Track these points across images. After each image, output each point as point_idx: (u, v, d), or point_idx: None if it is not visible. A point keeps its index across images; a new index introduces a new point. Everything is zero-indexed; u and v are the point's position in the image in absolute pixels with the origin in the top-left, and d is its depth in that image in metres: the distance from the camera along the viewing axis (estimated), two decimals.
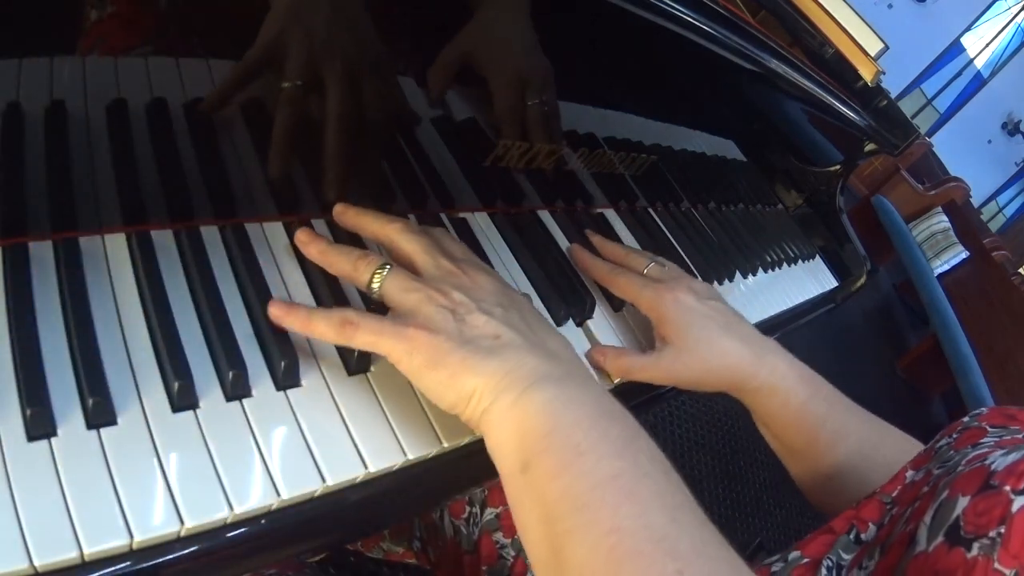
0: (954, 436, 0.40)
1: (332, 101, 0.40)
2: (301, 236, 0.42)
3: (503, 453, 0.36)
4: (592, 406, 0.36)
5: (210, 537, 0.32)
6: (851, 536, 0.39)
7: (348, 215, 0.45)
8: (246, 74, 0.38)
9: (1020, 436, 0.37)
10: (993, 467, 0.32)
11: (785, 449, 0.56)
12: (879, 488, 0.41)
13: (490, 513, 0.61)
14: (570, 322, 0.55)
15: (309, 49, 0.38)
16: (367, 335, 0.37)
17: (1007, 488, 0.30)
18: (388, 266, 0.40)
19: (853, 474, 0.51)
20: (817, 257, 1.01)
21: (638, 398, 0.56)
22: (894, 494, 0.40)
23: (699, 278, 0.62)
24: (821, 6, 0.81)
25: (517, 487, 0.35)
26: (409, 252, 0.42)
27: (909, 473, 0.41)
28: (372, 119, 0.44)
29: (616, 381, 0.53)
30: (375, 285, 0.39)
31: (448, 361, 0.36)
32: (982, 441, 0.37)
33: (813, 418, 0.52)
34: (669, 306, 0.52)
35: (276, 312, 0.38)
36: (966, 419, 0.41)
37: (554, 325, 0.53)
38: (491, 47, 0.48)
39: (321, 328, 0.37)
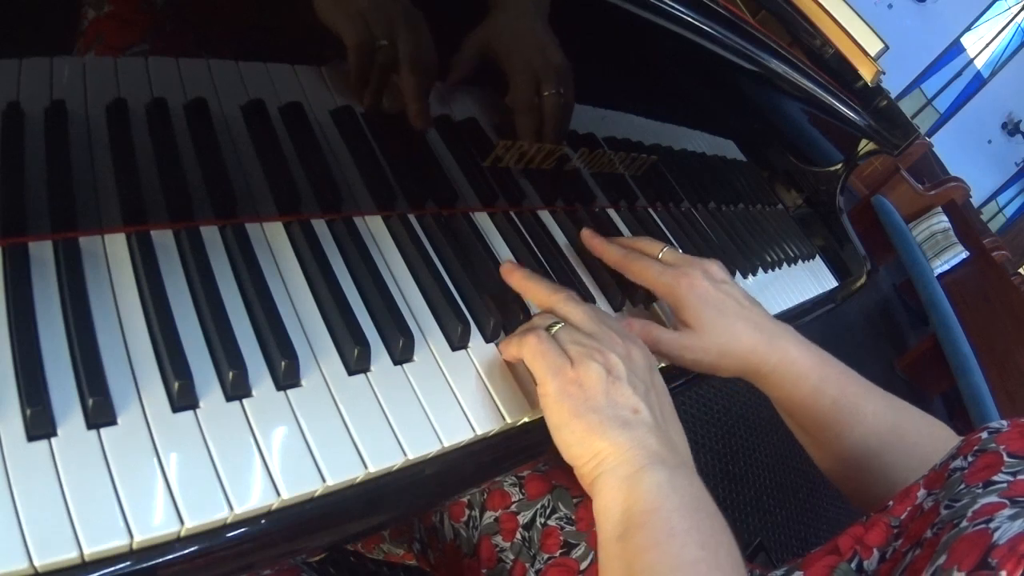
0: (968, 460, 0.39)
1: (403, 48, 0.43)
2: (506, 266, 0.50)
3: (607, 517, 0.39)
4: (693, 498, 0.39)
5: (210, 537, 0.32)
6: (853, 565, 0.39)
7: (515, 277, 0.50)
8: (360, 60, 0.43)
9: None
10: (995, 537, 0.31)
11: (803, 434, 0.56)
12: (890, 505, 0.41)
13: (489, 517, 0.61)
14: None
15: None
16: (529, 350, 0.42)
17: (1003, 574, 0.29)
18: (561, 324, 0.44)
19: (875, 460, 0.51)
20: (817, 257, 1.01)
21: None
22: (902, 516, 0.40)
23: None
24: (821, 6, 0.81)
25: (611, 551, 0.38)
26: (576, 319, 0.45)
27: (920, 493, 0.40)
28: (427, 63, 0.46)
29: None
30: (553, 329, 0.44)
31: (589, 418, 0.40)
32: (995, 479, 0.36)
33: (826, 401, 0.52)
34: (685, 291, 0.53)
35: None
36: (984, 435, 0.40)
37: None
38: (511, 38, 0.49)
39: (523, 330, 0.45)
